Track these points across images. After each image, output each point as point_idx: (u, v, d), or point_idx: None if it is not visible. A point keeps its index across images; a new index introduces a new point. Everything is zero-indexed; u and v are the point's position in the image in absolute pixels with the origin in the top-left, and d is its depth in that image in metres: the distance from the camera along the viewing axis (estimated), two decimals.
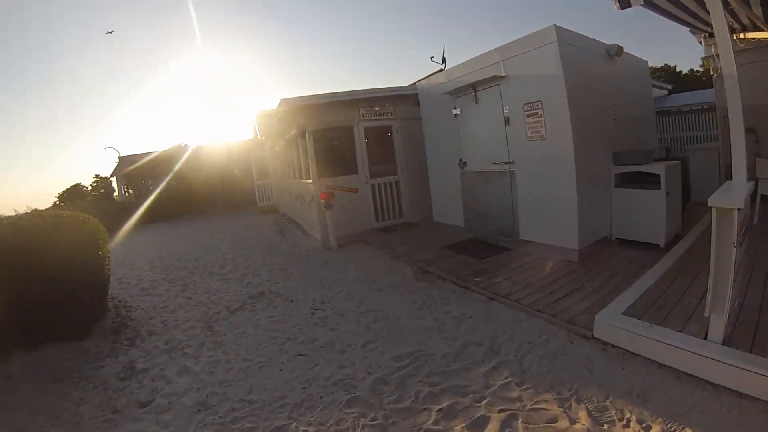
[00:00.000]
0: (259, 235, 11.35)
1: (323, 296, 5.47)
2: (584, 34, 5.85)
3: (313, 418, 2.94)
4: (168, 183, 18.80)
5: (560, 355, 3.38)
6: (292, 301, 5.44)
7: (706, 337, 3.00)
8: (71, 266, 4.20)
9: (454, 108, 7.31)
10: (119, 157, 24.29)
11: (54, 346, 4.15)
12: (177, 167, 19.38)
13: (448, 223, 8.07)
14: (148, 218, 16.37)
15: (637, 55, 7.39)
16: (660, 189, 5.40)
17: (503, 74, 6.09)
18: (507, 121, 6.21)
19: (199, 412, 3.16)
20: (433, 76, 8.84)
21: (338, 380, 3.41)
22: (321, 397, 3.20)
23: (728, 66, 3.00)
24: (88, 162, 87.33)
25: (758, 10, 5.28)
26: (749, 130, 4.38)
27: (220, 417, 3.07)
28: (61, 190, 31.00)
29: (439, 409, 2.89)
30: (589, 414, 2.66)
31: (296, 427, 2.87)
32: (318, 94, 8.13)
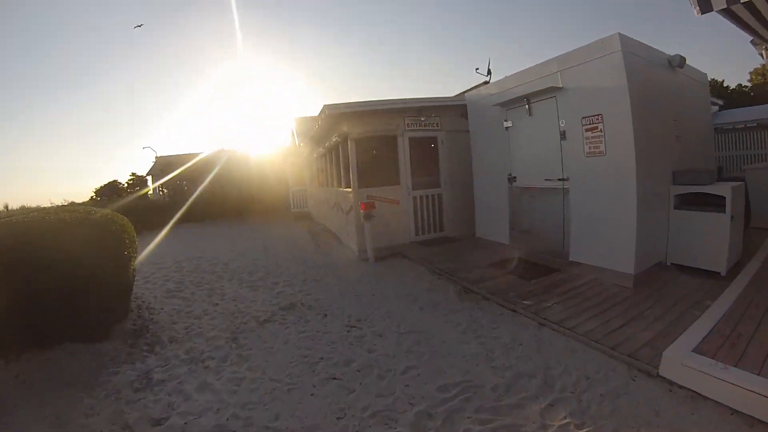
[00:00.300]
0: (292, 242, 11.07)
1: (360, 312, 5.07)
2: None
3: None
4: (203, 185, 18.86)
5: (622, 394, 3.00)
6: (325, 315, 5.05)
7: None
8: (87, 266, 3.94)
9: (506, 120, 6.94)
10: (156, 157, 24.75)
11: (69, 348, 3.90)
12: (214, 171, 19.46)
13: (492, 240, 7.61)
14: (182, 219, 16.34)
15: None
16: (724, 212, 5.00)
17: (560, 85, 5.75)
18: (563, 135, 5.85)
19: None
20: (483, 87, 8.45)
21: (377, 411, 3.00)
22: (357, 431, 2.79)
23: None
24: (129, 161, 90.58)
25: None
26: None
27: None
28: (98, 186, 31.86)
29: None
30: None
31: None
32: (363, 101, 7.85)
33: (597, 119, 5.30)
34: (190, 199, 17.89)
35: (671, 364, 3.12)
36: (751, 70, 20.89)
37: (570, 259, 5.89)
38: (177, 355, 4.10)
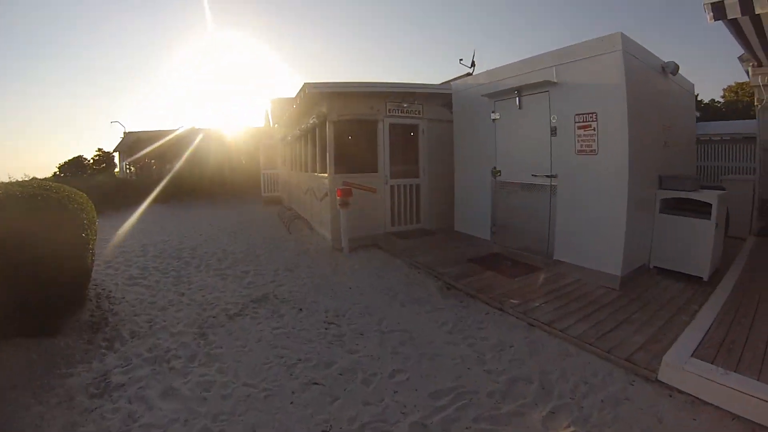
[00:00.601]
0: (262, 227, 10.64)
1: (337, 307, 4.78)
2: None
3: None
4: (172, 164, 18.08)
5: (622, 399, 2.91)
6: (301, 310, 4.73)
7: None
8: (38, 249, 3.45)
9: (493, 112, 6.71)
10: (124, 133, 23.68)
11: (17, 344, 3.42)
12: (183, 149, 18.67)
13: (471, 234, 7.42)
14: (149, 198, 15.65)
15: None
16: (710, 219, 5.05)
17: (555, 80, 5.58)
18: (553, 131, 5.69)
19: None
20: (471, 76, 8.21)
21: (366, 423, 2.74)
22: None
23: None
24: (96, 136, 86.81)
25: None
26: None
27: None
28: (62, 161, 30.42)
29: None
30: None
31: None
32: (345, 82, 7.45)
33: (591, 117, 5.18)
34: (160, 179, 17.16)
35: (671, 370, 3.07)
36: (725, 87, 21.87)
37: (554, 257, 5.78)
38: (139, 353, 3.68)
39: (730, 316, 3.89)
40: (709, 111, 19.65)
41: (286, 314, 4.59)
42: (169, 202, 16.38)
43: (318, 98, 7.63)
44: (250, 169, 18.81)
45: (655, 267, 5.57)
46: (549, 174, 5.78)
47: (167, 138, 19.98)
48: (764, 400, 2.61)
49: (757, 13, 3.66)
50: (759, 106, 7.93)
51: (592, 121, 5.17)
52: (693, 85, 7.57)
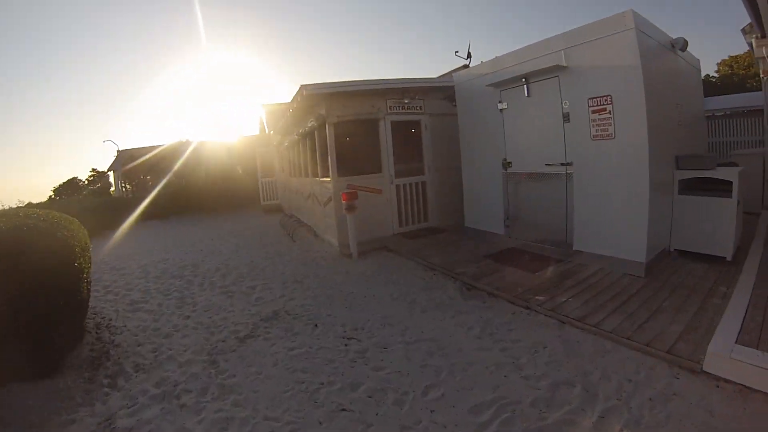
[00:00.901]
0: (264, 237, 10.30)
1: (354, 320, 4.47)
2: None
3: None
4: (168, 179, 17.75)
5: (671, 395, 2.73)
6: (316, 325, 4.41)
7: None
8: (29, 284, 3.14)
9: (500, 102, 6.46)
10: (117, 151, 23.44)
11: (12, 389, 3.10)
12: (178, 163, 18.36)
13: (484, 230, 7.14)
14: (146, 215, 15.39)
15: None
16: (731, 197, 4.92)
17: (564, 64, 5.34)
18: (566, 117, 5.46)
19: None
20: (474, 66, 7.90)
21: None
22: None
23: None
24: (89, 156, 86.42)
25: None
26: None
27: None
28: (57, 184, 30.08)
29: None
30: None
31: None
32: (342, 81, 7.13)
33: (606, 101, 4.97)
34: (150, 194, 16.84)
35: (718, 359, 2.91)
36: (719, 62, 21.75)
37: (574, 248, 5.56)
38: (145, 389, 3.33)
39: (763, 297, 3.74)
40: (705, 87, 19.53)
41: (301, 332, 4.28)
42: (168, 217, 16.06)
43: (316, 100, 7.32)
44: (247, 178, 18.49)
45: (675, 250, 5.40)
46: (564, 162, 5.56)
47: (161, 153, 19.70)
48: None
49: None
50: (765, 77, 7.82)
51: (607, 104, 4.95)
52: (699, 60, 7.38)
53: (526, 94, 5.95)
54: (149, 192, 17.52)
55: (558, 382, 2.99)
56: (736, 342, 3.03)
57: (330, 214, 7.81)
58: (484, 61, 7.34)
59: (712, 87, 19.12)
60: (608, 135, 4.98)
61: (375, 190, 7.71)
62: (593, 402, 2.73)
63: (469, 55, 11.85)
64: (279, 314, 4.82)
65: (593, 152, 5.18)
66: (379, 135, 7.81)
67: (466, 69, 8.22)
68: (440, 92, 8.19)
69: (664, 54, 5.47)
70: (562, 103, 5.46)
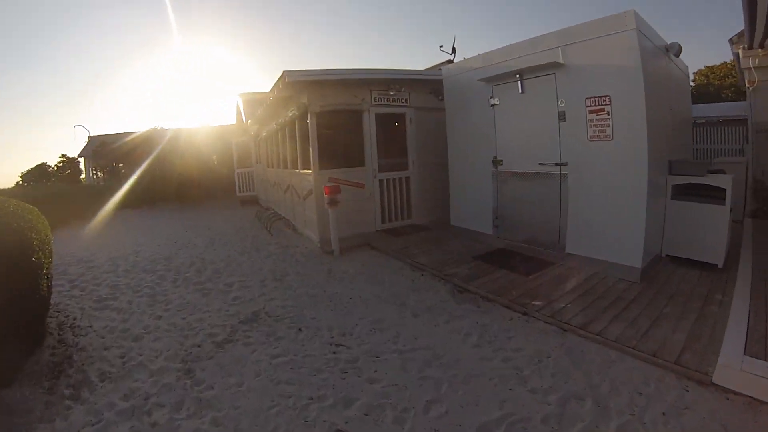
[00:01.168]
0: (241, 230, 9.89)
1: (341, 323, 4.19)
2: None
3: None
4: (141, 167, 17.05)
5: (683, 409, 2.63)
6: (300, 330, 4.10)
7: None
8: None
9: (491, 97, 6.25)
10: (89, 137, 22.53)
11: None
12: (152, 151, 17.66)
13: (471, 229, 6.96)
14: (118, 205, 14.70)
15: None
16: (724, 204, 4.93)
17: (561, 62, 5.18)
18: (561, 116, 5.31)
19: None
20: (464, 60, 7.66)
21: None
22: None
23: None
24: (59, 142, 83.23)
25: None
26: None
27: None
28: (25, 170, 28.64)
29: None
30: None
31: None
32: (327, 69, 6.79)
33: (604, 101, 4.83)
34: (123, 182, 16.13)
35: (728, 371, 2.84)
36: (695, 71, 22.34)
37: (567, 251, 5.42)
38: (112, 402, 2.94)
39: (761, 306, 3.70)
40: None
41: (285, 337, 3.97)
42: (140, 207, 15.41)
43: (298, 87, 6.96)
44: (223, 169, 17.97)
45: (667, 255, 5.36)
46: (558, 162, 5.41)
47: (134, 140, 18.97)
48: None
49: None
50: (750, 87, 7.94)
51: (606, 104, 4.82)
52: (687, 67, 7.45)
53: (520, 91, 5.76)
54: (122, 180, 16.84)
55: (567, 395, 2.83)
56: (744, 353, 2.96)
57: (310, 208, 7.50)
58: (467, 58, 7.16)
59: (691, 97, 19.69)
60: (606, 136, 4.85)
61: (357, 184, 7.43)
62: (606, 417, 2.59)
63: (453, 51, 11.68)
64: (259, 316, 4.51)
65: (590, 153, 5.05)
66: (363, 127, 7.52)
67: (456, 63, 8.02)
68: (426, 85, 7.95)
69: (660, 57, 5.39)
70: (557, 101, 5.30)
